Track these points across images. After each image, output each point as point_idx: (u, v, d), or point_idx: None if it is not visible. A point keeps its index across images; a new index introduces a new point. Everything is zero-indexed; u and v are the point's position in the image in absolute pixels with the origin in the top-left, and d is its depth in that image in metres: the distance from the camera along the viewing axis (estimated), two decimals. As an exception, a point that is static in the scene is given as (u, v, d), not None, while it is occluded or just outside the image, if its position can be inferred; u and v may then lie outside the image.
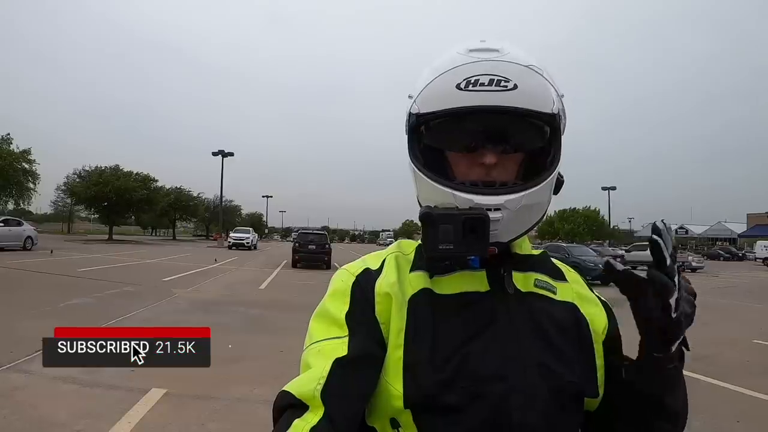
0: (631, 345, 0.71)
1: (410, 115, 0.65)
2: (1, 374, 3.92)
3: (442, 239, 0.58)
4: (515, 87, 0.59)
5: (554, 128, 0.63)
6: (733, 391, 4.35)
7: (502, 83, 0.59)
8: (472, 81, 0.59)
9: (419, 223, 0.71)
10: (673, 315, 0.55)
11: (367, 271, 0.67)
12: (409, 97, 0.66)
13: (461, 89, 0.60)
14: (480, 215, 0.58)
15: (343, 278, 0.67)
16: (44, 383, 3.70)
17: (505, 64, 0.60)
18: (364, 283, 0.65)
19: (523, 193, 0.61)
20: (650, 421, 0.63)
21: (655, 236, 0.54)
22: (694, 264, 24.82)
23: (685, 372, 0.64)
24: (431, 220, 0.58)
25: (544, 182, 0.63)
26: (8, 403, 3.35)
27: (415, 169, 0.65)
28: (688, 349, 0.60)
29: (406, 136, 0.68)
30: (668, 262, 0.54)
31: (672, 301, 0.54)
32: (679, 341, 0.58)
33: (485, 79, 0.59)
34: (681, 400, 0.63)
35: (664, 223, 0.55)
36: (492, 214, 0.59)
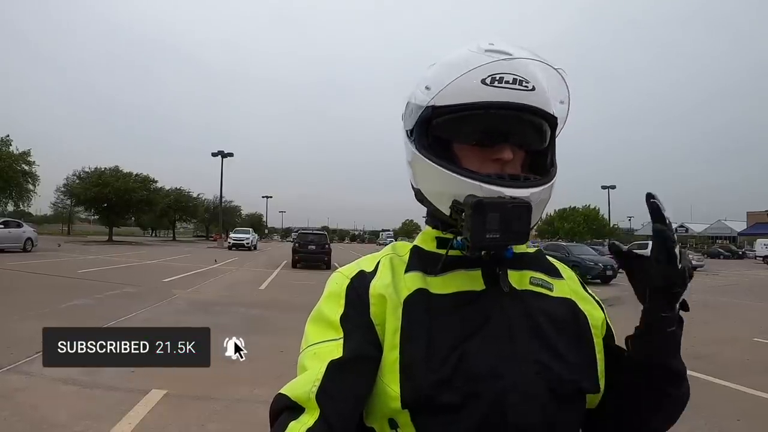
0: (623, 343, 0.72)
1: (425, 107, 0.65)
2: (2, 376, 3.92)
3: (490, 228, 0.58)
4: (533, 88, 0.62)
5: (554, 130, 0.67)
6: (733, 390, 4.36)
7: (524, 83, 0.62)
8: (498, 78, 0.61)
9: (427, 221, 0.72)
10: (679, 265, 0.58)
11: (361, 273, 0.67)
12: (427, 88, 0.66)
13: (486, 84, 0.61)
14: (525, 203, 0.59)
15: (337, 281, 0.68)
16: (44, 384, 3.70)
17: (526, 65, 0.62)
18: (359, 286, 0.65)
19: (542, 187, 0.63)
20: (659, 387, 0.64)
21: (653, 199, 0.59)
22: (694, 262, 24.73)
23: None
24: (482, 207, 0.58)
25: (555, 179, 0.66)
26: (9, 405, 3.35)
27: (427, 161, 0.65)
28: (687, 310, 0.63)
29: (409, 128, 0.69)
30: (667, 220, 0.58)
31: (677, 250, 0.58)
32: (681, 298, 0.60)
33: (509, 78, 0.61)
34: (682, 365, 0.65)
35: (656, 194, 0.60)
36: None
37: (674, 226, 0.60)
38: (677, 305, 0.60)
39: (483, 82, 0.61)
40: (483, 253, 0.64)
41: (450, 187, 0.63)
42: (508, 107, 0.61)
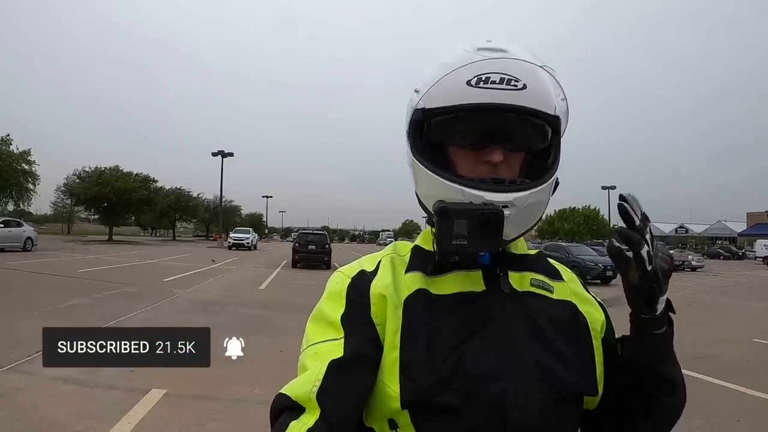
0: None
1: (415, 110, 0.65)
2: (2, 375, 3.92)
3: (457, 234, 0.57)
4: (524, 87, 0.60)
5: (556, 130, 0.65)
6: (733, 390, 4.36)
7: (512, 82, 0.59)
8: (483, 78, 0.59)
9: (428, 221, 0.70)
10: (648, 267, 0.57)
11: (362, 273, 0.67)
12: (416, 91, 0.65)
13: (472, 86, 0.60)
14: (495, 210, 0.58)
15: (338, 280, 0.67)
16: (44, 384, 3.70)
17: (516, 63, 0.60)
18: (360, 285, 0.65)
19: (530, 191, 0.61)
20: (649, 391, 0.64)
21: (621, 201, 0.58)
22: (694, 263, 24.80)
23: (685, 371, 0.65)
24: (447, 214, 0.58)
25: (549, 181, 0.64)
26: (9, 404, 3.35)
27: (419, 164, 0.65)
28: (674, 312, 0.62)
29: (407, 131, 0.68)
30: (637, 222, 0.57)
31: (643, 253, 0.57)
32: (663, 300, 0.60)
33: (496, 77, 0.59)
34: (676, 370, 0.64)
35: (630, 194, 0.59)
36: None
37: (649, 227, 0.59)
38: (658, 306, 0.59)
39: (468, 83, 0.60)
40: (456, 258, 0.63)
41: (436, 190, 0.62)
42: (493, 108, 0.60)
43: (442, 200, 0.60)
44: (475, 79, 0.60)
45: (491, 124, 0.61)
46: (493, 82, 0.59)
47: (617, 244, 0.58)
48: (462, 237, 0.57)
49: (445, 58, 0.64)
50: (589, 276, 14.63)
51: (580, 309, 0.68)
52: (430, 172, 0.63)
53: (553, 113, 0.62)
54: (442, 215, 0.58)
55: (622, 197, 0.58)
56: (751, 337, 6.82)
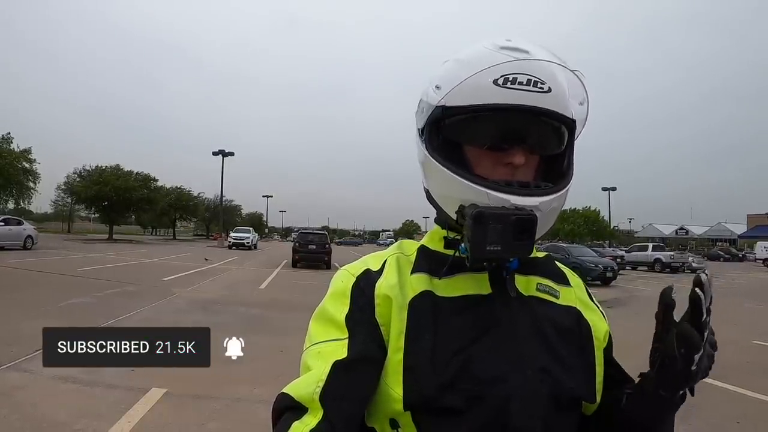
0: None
1: (435, 107, 0.63)
2: (1, 373, 3.92)
3: (491, 240, 0.56)
4: (549, 90, 0.59)
5: (572, 133, 0.64)
6: (733, 392, 4.35)
7: (539, 84, 0.59)
8: (510, 78, 0.58)
9: (436, 219, 0.70)
10: (693, 368, 0.56)
11: (367, 272, 0.66)
12: (437, 87, 0.63)
13: (499, 85, 0.59)
14: (530, 216, 0.57)
15: (343, 279, 0.67)
16: (44, 382, 3.70)
17: (541, 64, 0.59)
18: (365, 285, 0.64)
19: (554, 196, 0.60)
20: None
21: (697, 289, 0.54)
22: (694, 265, 24.79)
23: None
24: (483, 219, 0.56)
25: (569, 185, 0.63)
26: (8, 403, 3.35)
27: (435, 163, 0.63)
28: (692, 395, 0.61)
29: (420, 127, 0.67)
30: (704, 317, 0.55)
31: (696, 357, 0.55)
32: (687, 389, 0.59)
33: (523, 78, 0.58)
34: (670, 430, 0.64)
35: (707, 275, 0.56)
36: None
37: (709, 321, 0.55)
38: (680, 392, 0.59)
39: (495, 82, 0.58)
40: (485, 263, 0.61)
41: (457, 191, 0.61)
42: (520, 110, 0.59)
43: (475, 204, 0.58)
44: (502, 78, 0.58)
45: (513, 126, 0.60)
46: (520, 83, 0.58)
47: (673, 297, 0.57)
48: (496, 243, 0.56)
49: (466, 55, 0.63)
50: (589, 277, 14.61)
51: (585, 316, 0.68)
52: (450, 173, 0.61)
53: (571, 117, 0.62)
54: (478, 220, 0.56)
55: (698, 283, 0.55)
56: (751, 339, 6.81)
